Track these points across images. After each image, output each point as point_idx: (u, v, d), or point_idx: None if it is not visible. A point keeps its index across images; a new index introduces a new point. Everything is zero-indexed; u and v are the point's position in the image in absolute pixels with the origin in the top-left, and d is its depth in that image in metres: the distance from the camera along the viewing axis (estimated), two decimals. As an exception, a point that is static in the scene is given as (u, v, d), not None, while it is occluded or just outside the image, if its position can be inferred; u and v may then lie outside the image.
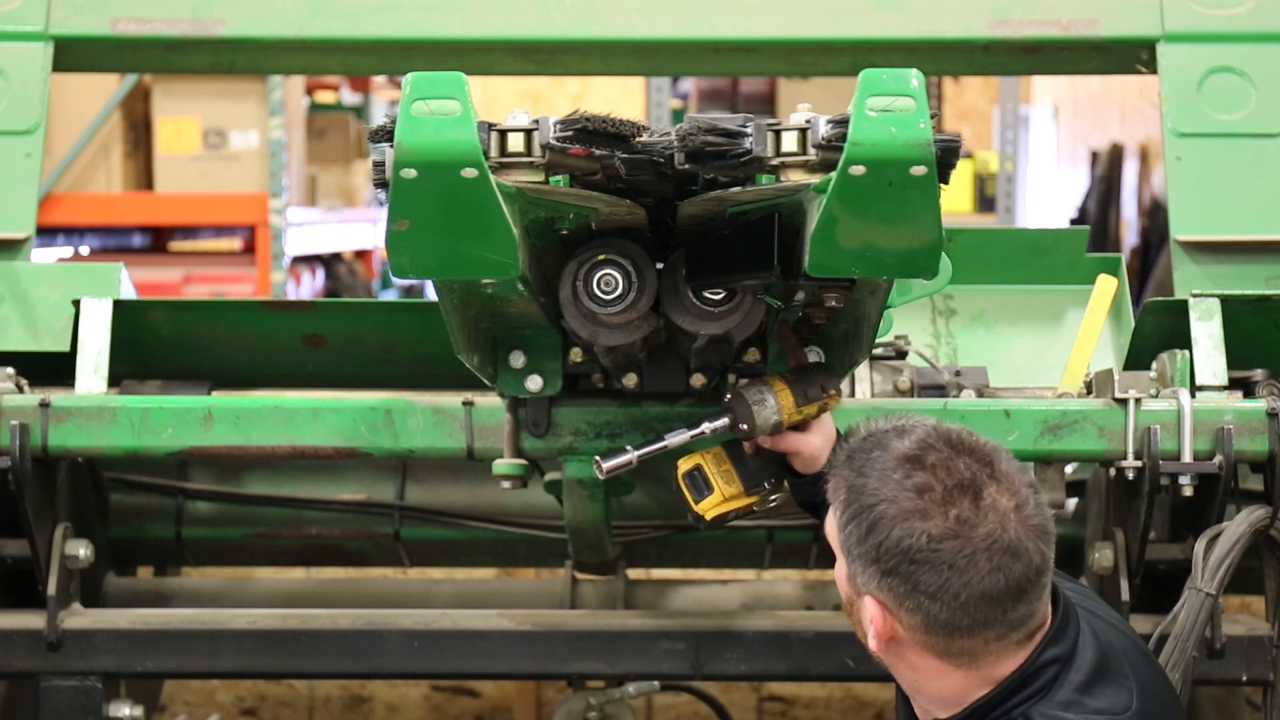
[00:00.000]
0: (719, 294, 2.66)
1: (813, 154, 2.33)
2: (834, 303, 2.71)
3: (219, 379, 3.62)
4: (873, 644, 2.45)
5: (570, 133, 2.35)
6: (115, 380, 3.46)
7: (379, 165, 2.38)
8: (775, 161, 2.35)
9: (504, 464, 3.12)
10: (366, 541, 3.88)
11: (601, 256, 2.60)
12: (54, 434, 3.23)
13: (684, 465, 2.89)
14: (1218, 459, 3.15)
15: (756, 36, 3.89)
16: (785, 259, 2.53)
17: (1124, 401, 3.17)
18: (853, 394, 3.46)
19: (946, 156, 2.27)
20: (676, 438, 2.87)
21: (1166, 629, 3.09)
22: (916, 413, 2.55)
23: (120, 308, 3.43)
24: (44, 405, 3.23)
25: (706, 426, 2.85)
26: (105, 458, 3.47)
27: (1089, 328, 3.39)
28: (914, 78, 2.23)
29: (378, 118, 7.04)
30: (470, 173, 2.27)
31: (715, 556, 3.92)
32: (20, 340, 3.50)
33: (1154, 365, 3.29)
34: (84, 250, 8.53)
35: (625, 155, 2.39)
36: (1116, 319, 3.70)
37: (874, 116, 2.22)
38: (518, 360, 3.02)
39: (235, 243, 9.00)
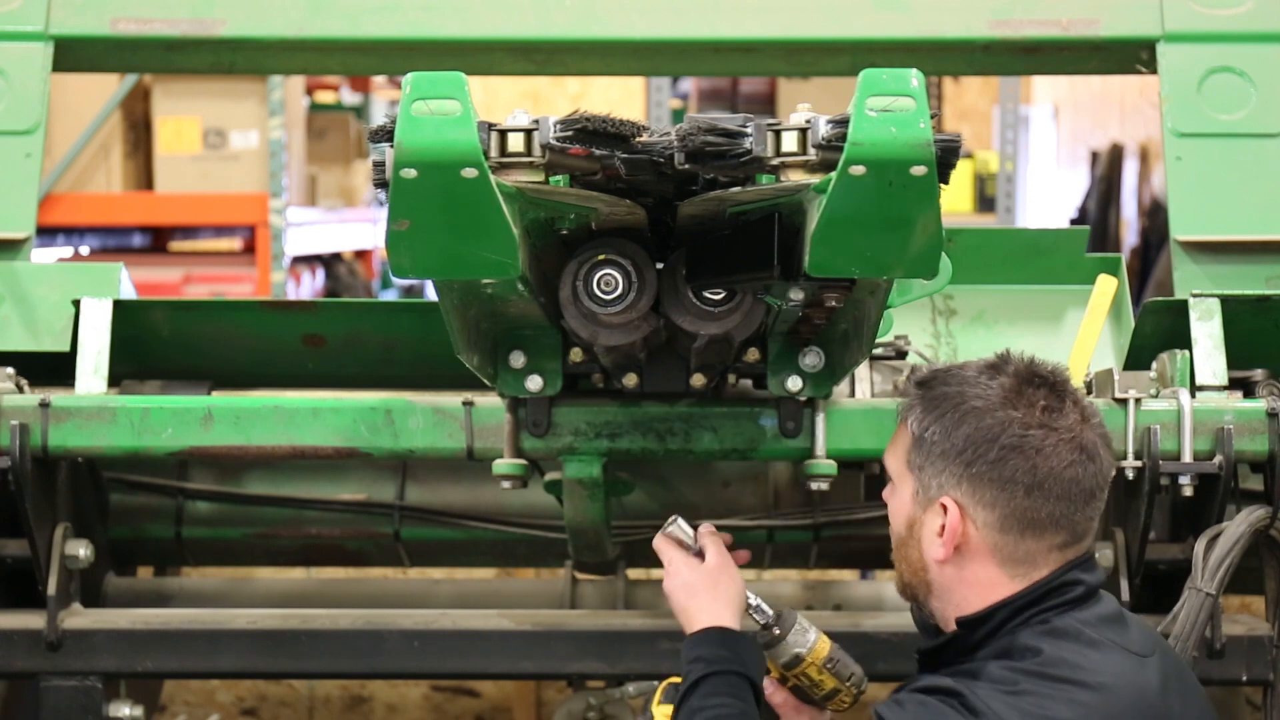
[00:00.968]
0: (719, 294, 2.66)
1: (813, 154, 2.33)
2: (834, 303, 2.71)
3: (219, 379, 3.62)
4: (938, 555, 2.57)
5: (570, 133, 2.35)
6: (115, 380, 3.46)
7: (379, 165, 2.38)
8: (775, 161, 2.35)
9: (504, 464, 3.12)
10: (366, 541, 3.88)
11: (601, 256, 2.60)
12: (54, 434, 3.23)
13: None
14: (1218, 459, 3.15)
15: (756, 36, 3.89)
16: (785, 259, 2.53)
17: (1124, 401, 3.17)
18: (852, 394, 3.46)
19: (946, 156, 2.27)
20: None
21: (1166, 629, 3.08)
22: None
23: (120, 308, 3.43)
24: (44, 405, 3.23)
25: (751, 598, 2.84)
26: (105, 458, 3.46)
27: (1089, 328, 3.40)
28: (914, 78, 2.23)
29: (378, 118, 7.04)
30: (470, 173, 2.27)
31: (715, 556, 3.91)
32: (20, 340, 3.50)
33: (1154, 365, 3.29)
34: (84, 250, 8.53)
35: (625, 155, 2.39)
36: (1116, 319, 3.70)
37: (874, 116, 2.22)
38: (518, 360, 3.02)
39: (235, 243, 8.99)
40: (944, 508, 2.56)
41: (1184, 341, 3.30)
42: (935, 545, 2.58)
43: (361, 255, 10.62)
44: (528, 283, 2.57)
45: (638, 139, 2.40)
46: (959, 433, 2.54)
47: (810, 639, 2.82)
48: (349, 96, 10.96)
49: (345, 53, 4.03)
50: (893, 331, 3.45)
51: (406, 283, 8.56)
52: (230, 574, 4.15)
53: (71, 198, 7.64)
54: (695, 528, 2.90)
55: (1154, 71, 3.78)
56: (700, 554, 2.86)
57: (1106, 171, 10.48)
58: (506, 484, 3.14)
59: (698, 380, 3.03)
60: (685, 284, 2.65)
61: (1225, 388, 3.25)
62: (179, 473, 3.88)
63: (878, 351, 3.48)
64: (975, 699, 2.45)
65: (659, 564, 2.91)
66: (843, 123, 2.27)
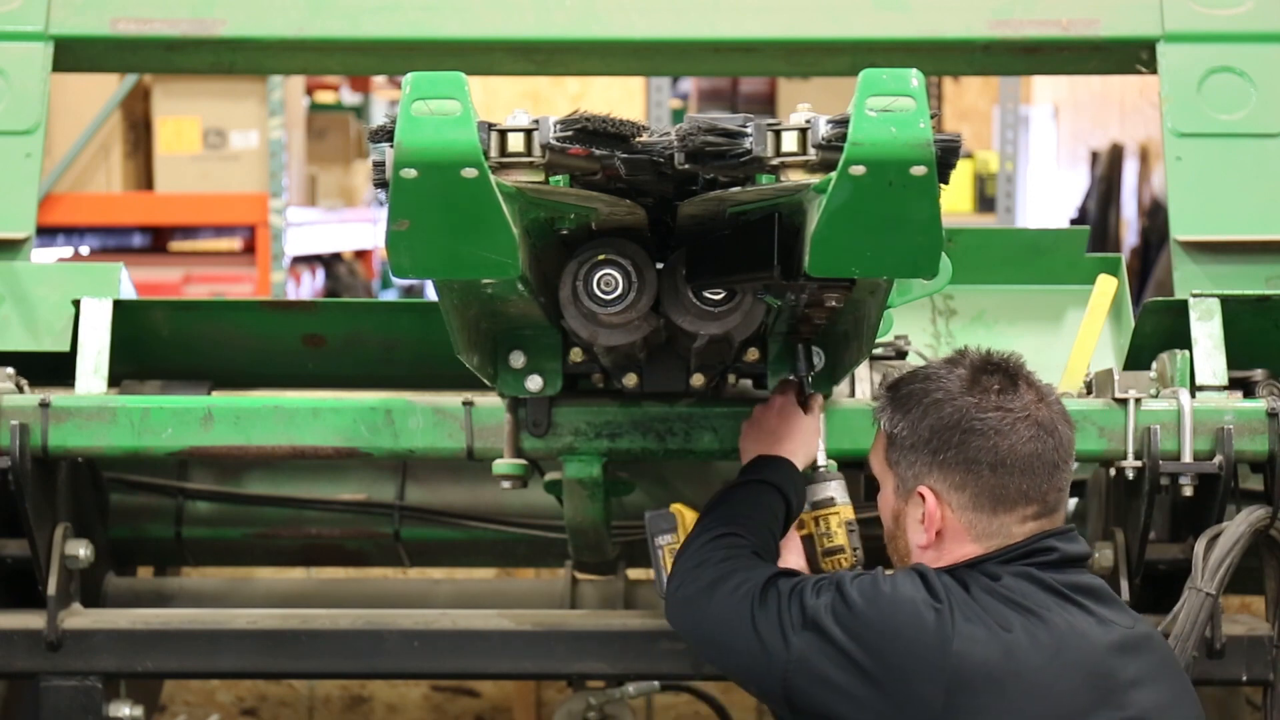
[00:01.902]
0: (719, 294, 2.66)
1: (813, 154, 2.33)
2: (834, 303, 2.72)
3: (219, 379, 3.62)
4: (922, 540, 2.72)
5: (570, 133, 2.35)
6: (115, 380, 3.46)
7: (379, 165, 2.38)
8: (775, 161, 2.35)
9: (504, 464, 3.12)
10: (366, 541, 3.88)
11: (601, 256, 2.60)
12: (54, 434, 3.23)
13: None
14: (1218, 459, 3.15)
15: (756, 36, 3.89)
16: (785, 259, 2.53)
17: (1124, 401, 3.17)
18: (852, 394, 3.46)
19: (946, 156, 2.27)
20: None
21: (1166, 629, 3.09)
22: None
23: (120, 308, 3.43)
24: (44, 405, 3.23)
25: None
26: (105, 458, 3.47)
27: (1089, 328, 3.40)
28: (914, 78, 2.23)
29: (378, 118, 7.03)
30: (470, 173, 2.27)
31: (715, 556, 3.91)
32: (20, 340, 3.49)
33: (1154, 365, 3.29)
34: (84, 250, 8.53)
35: (625, 155, 2.39)
36: (1116, 319, 3.70)
37: (874, 116, 2.22)
38: (518, 360, 3.02)
39: (235, 243, 8.99)
40: (921, 496, 2.71)
41: (1184, 341, 3.30)
42: (919, 532, 2.73)
43: (361, 255, 10.62)
44: (528, 283, 2.56)
45: (638, 139, 2.39)
46: (924, 425, 2.70)
47: (847, 499, 3.05)
48: (349, 96, 10.96)
49: (345, 53, 4.03)
50: (893, 331, 3.44)
51: (406, 283, 8.56)
52: (230, 574, 4.15)
53: (71, 198, 7.65)
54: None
55: (1154, 71, 3.78)
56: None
57: (1106, 171, 10.48)
58: (506, 484, 3.14)
59: (698, 380, 3.03)
60: (685, 284, 2.65)
61: (1225, 388, 3.25)
62: (179, 473, 3.89)
63: (878, 351, 3.47)
64: (937, 584, 2.62)
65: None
66: (843, 123, 2.26)
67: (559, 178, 2.45)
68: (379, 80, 10.85)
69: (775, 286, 2.65)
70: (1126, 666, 2.61)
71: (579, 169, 2.43)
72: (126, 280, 3.63)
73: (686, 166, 2.39)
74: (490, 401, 3.18)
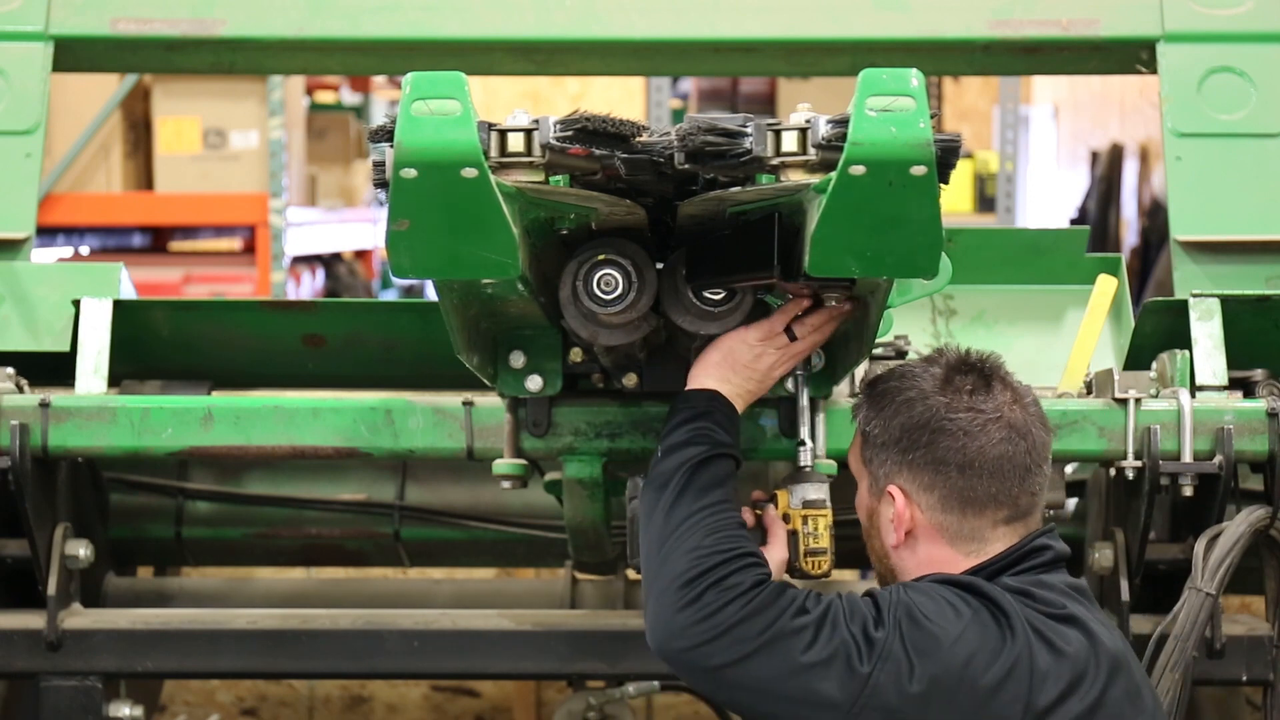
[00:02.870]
0: (719, 294, 2.66)
1: (813, 154, 2.33)
2: (834, 303, 2.72)
3: (219, 379, 3.62)
4: (892, 540, 2.68)
5: (570, 133, 2.35)
6: (115, 380, 3.45)
7: (379, 165, 2.38)
8: (775, 161, 2.35)
9: (504, 464, 3.12)
10: (366, 541, 3.88)
11: (601, 256, 2.60)
12: (54, 434, 3.23)
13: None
14: (1218, 459, 3.15)
15: (756, 36, 3.89)
16: (785, 259, 2.53)
17: (1124, 401, 3.17)
18: (852, 394, 3.45)
19: (946, 156, 2.27)
20: None
21: (1166, 629, 3.09)
22: None
23: (120, 308, 3.43)
24: (44, 405, 3.23)
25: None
26: (105, 458, 3.47)
27: (1089, 328, 3.39)
28: (914, 78, 2.23)
29: (378, 118, 7.03)
30: (470, 173, 2.27)
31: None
32: (20, 340, 3.49)
33: (1154, 365, 3.29)
34: (84, 250, 8.53)
35: (625, 155, 2.39)
36: (1116, 319, 3.70)
37: (874, 116, 2.22)
38: (518, 360, 3.02)
39: (235, 243, 8.99)
40: (891, 495, 2.68)
41: (1184, 341, 3.29)
42: (890, 532, 2.70)
43: (361, 255, 10.62)
44: (528, 283, 2.57)
45: (638, 139, 2.40)
46: (895, 423, 2.67)
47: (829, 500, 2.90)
48: (349, 96, 10.96)
49: (345, 53, 4.03)
50: (893, 331, 3.44)
51: (406, 283, 8.56)
52: (230, 574, 4.15)
53: (71, 198, 7.64)
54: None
55: (1154, 71, 3.78)
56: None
57: (1106, 171, 10.48)
58: (506, 484, 3.14)
59: (698, 380, 3.02)
60: (685, 284, 2.65)
61: (1225, 388, 3.25)
62: (179, 473, 3.89)
63: (878, 351, 3.47)
64: (1003, 600, 2.56)
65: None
66: (843, 123, 2.27)
67: (559, 178, 2.46)
68: (379, 80, 10.86)
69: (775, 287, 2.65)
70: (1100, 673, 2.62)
71: (579, 169, 2.43)
72: (126, 280, 3.63)
73: (686, 166, 2.39)
74: (490, 401, 3.18)
